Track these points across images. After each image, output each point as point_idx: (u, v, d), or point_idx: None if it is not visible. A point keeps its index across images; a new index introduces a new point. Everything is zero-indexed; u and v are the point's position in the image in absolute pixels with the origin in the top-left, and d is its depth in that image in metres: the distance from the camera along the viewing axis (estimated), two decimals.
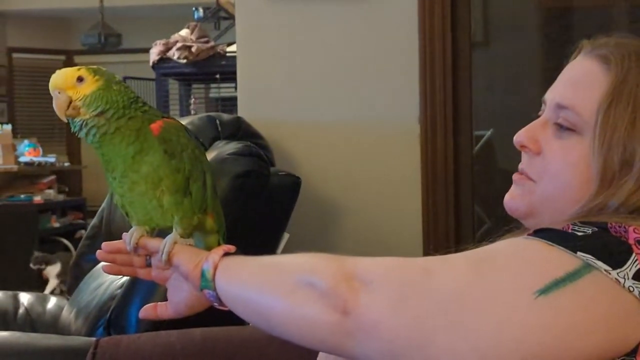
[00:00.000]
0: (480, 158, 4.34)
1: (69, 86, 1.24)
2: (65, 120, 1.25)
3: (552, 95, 1.15)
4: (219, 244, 1.30)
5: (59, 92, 1.24)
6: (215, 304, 1.17)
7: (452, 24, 3.20)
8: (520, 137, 1.15)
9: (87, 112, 1.23)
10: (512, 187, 1.17)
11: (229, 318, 1.22)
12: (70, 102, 1.23)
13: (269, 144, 3.02)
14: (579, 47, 1.18)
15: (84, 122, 1.24)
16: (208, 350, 1.87)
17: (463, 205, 3.26)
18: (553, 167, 1.11)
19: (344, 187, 3.30)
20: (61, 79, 1.24)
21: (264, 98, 3.36)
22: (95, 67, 1.27)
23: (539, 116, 1.17)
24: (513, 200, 1.16)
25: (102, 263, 1.36)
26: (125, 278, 2.37)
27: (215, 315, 1.31)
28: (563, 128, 1.10)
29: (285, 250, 2.89)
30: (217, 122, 2.84)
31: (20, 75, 10.14)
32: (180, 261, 1.21)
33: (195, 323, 1.54)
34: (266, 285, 1.05)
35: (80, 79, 1.24)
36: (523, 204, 1.14)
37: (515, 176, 1.17)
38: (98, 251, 1.33)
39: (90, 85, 1.24)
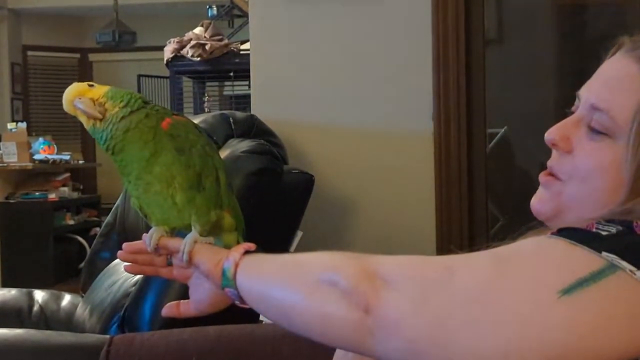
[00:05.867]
0: (493, 156, 4.34)
1: (85, 91, 1.28)
2: (100, 117, 1.26)
3: (588, 93, 1.11)
4: (238, 243, 1.30)
5: (80, 98, 1.27)
6: (236, 302, 1.17)
7: (465, 21, 3.20)
8: (551, 134, 1.12)
9: (115, 105, 1.26)
10: (540, 190, 1.14)
11: (243, 315, 1.23)
12: (94, 103, 1.26)
13: (282, 141, 3.02)
14: (619, 44, 1.13)
15: (108, 123, 1.26)
16: (221, 348, 1.87)
17: (476, 202, 3.26)
18: (583, 169, 1.08)
19: (358, 184, 3.30)
20: (75, 88, 1.28)
21: (277, 96, 3.37)
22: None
23: (572, 112, 1.14)
24: (540, 203, 1.14)
25: (117, 260, 1.37)
26: (139, 276, 2.37)
27: (229, 312, 1.31)
28: (596, 131, 1.08)
29: (299, 248, 2.89)
30: (231, 120, 2.84)
31: (35, 73, 10.17)
32: (201, 260, 1.22)
33: (209, 321, 1.54)
34: (288, 284, 1.05)
35: (91, 85, 1.29)
36: (550, 207, 1.12)
37: (542, 177, 1.14)
38: (119, 252, 1.33)
39: (103, 87, 1.29)
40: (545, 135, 1.14)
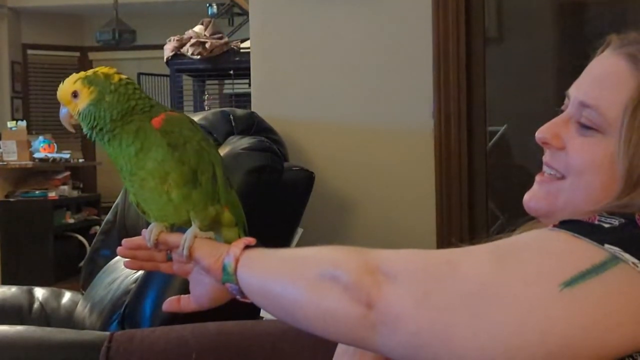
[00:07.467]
0: (494, 153, 4.34)
1: (67, 101, 1.28)
2: (73, 131, 1.32)
3: (576, 92, 1.12)
4: (239, 238, 1.29)
5: (62, 106, 1.29)
6: (237, 296, 1.17)
7: (466, 19, 3.20)
8: (542, 133, 1.13)
9: (84, 126, 1.27)
10: (535, 187, 1.15)
11: (244, 311, 1.23)
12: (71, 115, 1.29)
13: (283, 139, 3.02)
14: (607, 42, 1.14)
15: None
16: (222, 344, 1.87)
17: (477, 200, 3.26)
18: (576, 164, 1.08)
19: (358, 182, 3.30)
20: (61, 94, 1.29)
21: (277, 93, 3.37)
22: (92, 74, 1.28)
23: (562, 111, 1.15)
24: (534, 200, 1.14)
25: (117, 258, 1.36)
26: (140, 273, 2.38)
27: (230, 308, 1.31)
28: (586, 127, 1.08)
29: (299, 245, 2.88)
30: (231, 117, 2.84)
31: (34, 72, 10.17)
32: (201, 255, 1.21)
33: (210, 316, 1.54)
34: (289, 279, 1.05)
35: (75, 95, 1.27)
36: (545, 204, 1.13)
37: (538, 177, 1.15)
38: (119, 248, 1.33)
39: (83, 100, 1.27)
40: (536, 134, 1.14)
